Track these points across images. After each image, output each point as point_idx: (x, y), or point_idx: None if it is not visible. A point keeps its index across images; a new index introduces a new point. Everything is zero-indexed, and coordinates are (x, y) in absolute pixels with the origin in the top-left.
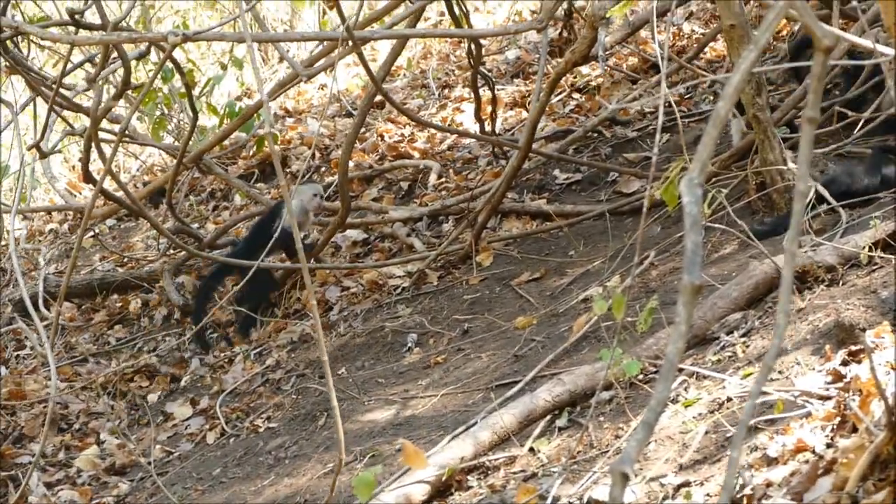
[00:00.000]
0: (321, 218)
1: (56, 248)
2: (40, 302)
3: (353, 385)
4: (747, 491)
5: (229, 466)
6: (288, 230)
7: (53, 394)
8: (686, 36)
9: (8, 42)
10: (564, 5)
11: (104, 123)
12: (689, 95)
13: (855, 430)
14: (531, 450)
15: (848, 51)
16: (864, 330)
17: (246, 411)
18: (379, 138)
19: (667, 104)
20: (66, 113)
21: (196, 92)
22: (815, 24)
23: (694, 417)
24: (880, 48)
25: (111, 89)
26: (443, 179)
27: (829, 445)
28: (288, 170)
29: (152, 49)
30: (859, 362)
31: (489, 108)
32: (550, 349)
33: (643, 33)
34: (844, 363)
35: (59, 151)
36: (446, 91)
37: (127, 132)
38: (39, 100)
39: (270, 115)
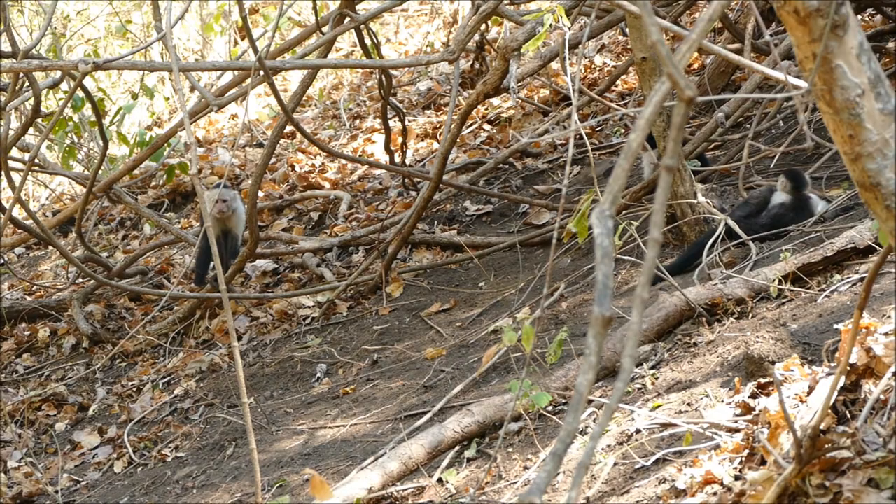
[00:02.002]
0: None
1: None
2: None
3: (261, 415)
4: None
5: (137, 496)
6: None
7: None
8: (598, 68)
9: None
10: (476, 37)
11: (13, 152)
12: (600, 128)
13: (763, 462)
14: (440, 480)
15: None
16: (773, 363)
17: (154, 440)
18: (290, 168)
19: (578, 136)
20: None
21: (106, 121)
22: (679, 74)
23: (603, 449)
24: (793, 80)
25: (21, 117)
26: (353, 210)
27: (737, 478)
28: (198, 199)
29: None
30: (768, 395)
31: (400, 140)
32: (460, 380)
33: (554, 65)
34: (753, 396)
35: None
36: (357, 122)
37: (36, 161)
38: None
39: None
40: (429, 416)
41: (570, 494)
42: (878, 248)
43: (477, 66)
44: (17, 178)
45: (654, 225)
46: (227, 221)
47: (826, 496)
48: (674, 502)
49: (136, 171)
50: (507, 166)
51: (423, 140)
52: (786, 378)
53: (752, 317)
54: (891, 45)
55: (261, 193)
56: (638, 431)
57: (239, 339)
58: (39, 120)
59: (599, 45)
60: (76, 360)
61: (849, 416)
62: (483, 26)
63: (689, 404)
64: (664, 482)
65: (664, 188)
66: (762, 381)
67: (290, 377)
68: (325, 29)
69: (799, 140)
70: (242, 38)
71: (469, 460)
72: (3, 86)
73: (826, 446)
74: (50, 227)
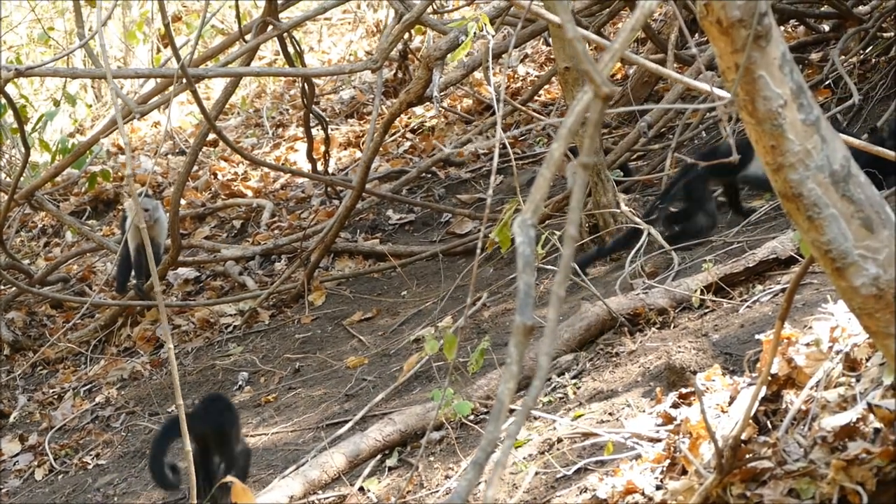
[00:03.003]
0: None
1: None
2: None
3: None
4: None
5: (58, 503)
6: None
7: None
8: (521, 78)
9: None
10: (399, 46)
11: None
12: (523, 137)
13: (685, 472)
14: (361, 489)
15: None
16: (694, 372)
17: (75, 448)
18: (212, 176)
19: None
20: None
21: (28, 128)
22: (595, 71)
23: (524, 458)
24: (716, 91)
25: None
26: (276, 218)
27: (658, 487)
28: (120, 207)
29: None
30: (690, 405)
31: (322, 148)
32: (381, 388)
33: (478, 75)
34: (675, 405)
35: None
36: (280, 130)
37: None
38: None
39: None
40: (350, 424)
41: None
42: (800, 258)
43: (400, 75)
44: None
45: (571, 223)
46: (150, 230)
47: None
48: None
49: (58, 179)
50: (429, 175)
51: (345, 149)
52: (707, 388)
53: (674, 327)
54: (813, 56)
55: (183, 201)
56: (559, 441)
57: (160, 346)
58: None
59: (523, 54)
60: None
61: (770, 426)
62: (406, 35)
63: (610, 414)
64: (585, 491)
65: (580, 186)
66: (684, 391)
67: (211, 385)
68: (248, 37)
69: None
70: (165, 46)
71: (391, 469)
72: None
73: (747, 456)
74: None
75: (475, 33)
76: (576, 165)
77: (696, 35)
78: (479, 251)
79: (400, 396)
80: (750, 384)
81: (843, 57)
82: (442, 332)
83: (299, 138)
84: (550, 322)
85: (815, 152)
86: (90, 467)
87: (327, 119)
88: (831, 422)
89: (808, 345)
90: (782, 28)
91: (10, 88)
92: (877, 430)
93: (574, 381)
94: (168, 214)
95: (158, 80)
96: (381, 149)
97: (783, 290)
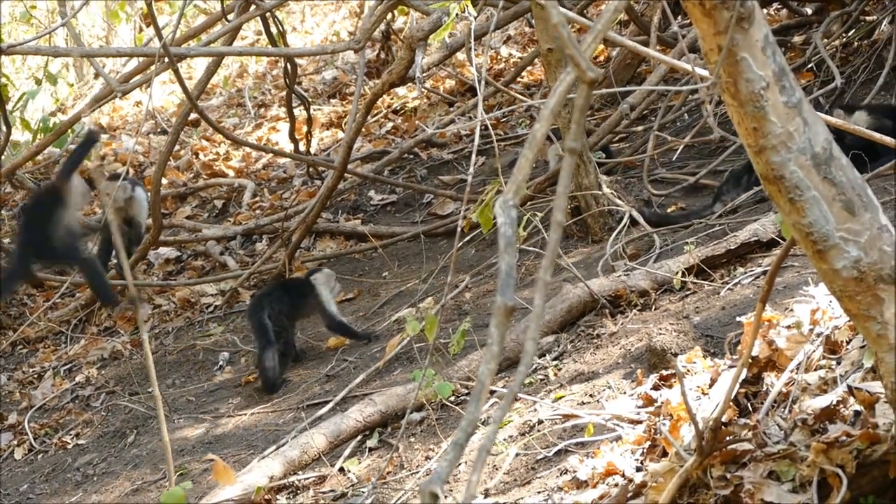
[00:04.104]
0: None
1: None
2: None
3: (164, 403)
4: None
5: (37, 483)
6: None
7: None
8: (504, 59)
9: None
10: (382, 26)
11: None
12: (505, 119)
13: (665, 454)
14: (341, 469)
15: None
16: (675, 355)
17: (55, 427)
18: (194, 156)
19: (483, 127)
20: None
21: (10, 106)
22: (581, 56)
23: (505, 440)
24: (700, 71)
25: None
26: (257, 198)
27: (639, 469)
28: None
29: None
30: (670, 387)
31: (305, 128)
32: (362, 369)
33: (460, 56)
34: (656, 387)
35: None
36: (262, 110)
37: None
38: None
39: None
40: (331, 405)
41: (471, 478)
42: (782, 241)
43: (383, 55)
44: None
45: (557, 208)
46: (129, 209)
47: (727, 488)
48: (575, 493)
49: (40, 158)
50: (411, 156)
51: (327, 129)
52: (688, 370)
53: (656, 309)
54: (796, 39)
55: (164, 181)
56: (540, 422)
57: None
58: None
59: (505, 36)
60: None
61: (750, 408)
62: (389, 16)
63: (591, 395)
64: (566, 473)
65: (567, 171)
66: (664, 372)
67: (192, 365)
68: (230, 17)
69: (703, 132)
70: (148, 25)
71: (371, 450)
72: None
73: (727, 438)
74: None
75: (457, 14)
76: (561, 149)
77: (679, 17)
78: (459, 232)
79: (381, 377)
80: (731, 366)
81: (825, 40)
82: (423, 313)
83: (281, 118)
84: (537, 308)
85: (797, 135)
86: (70, 447)
87: (310, 99)
88: (812, 404)
89: (788, 327)
90: (765, 11)
91: None
92: (857, 413)
93: (555, 362)
94: (149, 194)
95: (141, 59)
96: (363, 129)
97: (764, 273)
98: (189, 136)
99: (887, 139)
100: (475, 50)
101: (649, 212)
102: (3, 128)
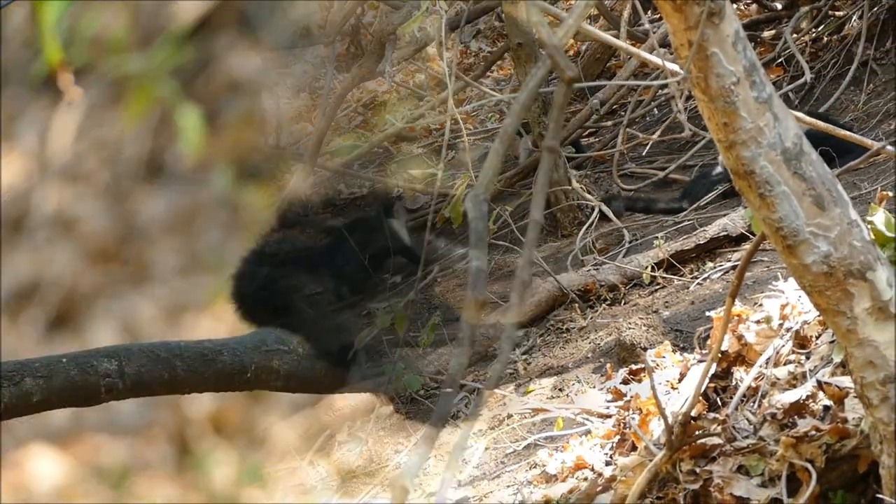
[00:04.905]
0: None
1: None
2: None
3: None
4: None
5: None
6: None
7: None
8: (473, 54)
9: None
10: (352, 20)
11: None
12: (475, 113)
13: (634, 448)
14: (311, 463)
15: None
16: (645, 349)
17: None
18: None
19: (453, 121)
20: None
21: None
22: (560, 55)
23: (474, 433)
24: (670, 66)
25: None
26: None
27: (608, 463)
28: None
29: None
30: (640, 381)
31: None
32: None
33: (430, 50)
34: (625, 382)
35: None
36: None
37: None
38: None
39: None
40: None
41: (444, 476)
42: (751, 236)
43: (352, 49)
44: None
45: (535, 206)
46: None
47: (696, 482)
48: (545, 487)
49: None
50: (381, 150)
51: (297, 123)
52: (657, 364)
53: (625, 303)
54: (766, 34)
55: None
56: (510, 416)
57: None
58: None
59: (475, 30)
60: None
61: (720, 403)
62: (359, 9)
63: (560, 390)
64: (535, 467)
65: (545, 170)
66: (634, 367)
67: None
68: None
69: (673, 128)
70: None
71: (340, 443)
72: None
73: (697, 433)
74: None
75: (427, 8)
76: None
77: (650, 12)
78: (429, 225)
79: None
80: (700, 361)
81: (795, 35)
82: (393, 306)
83: None
84: (514, 307)
85: (767, 130)
86: None
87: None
88: (781, 399)
89: (758, 322)
90: (735, 6)
91: None
92: (826, 408)
93: (524, 356)
94: None
95: None
96: (332, 123)
97: (734, 268)
98: None
99: (866, 141)
100: (445, 44)
101: (617, 205)
102: None
